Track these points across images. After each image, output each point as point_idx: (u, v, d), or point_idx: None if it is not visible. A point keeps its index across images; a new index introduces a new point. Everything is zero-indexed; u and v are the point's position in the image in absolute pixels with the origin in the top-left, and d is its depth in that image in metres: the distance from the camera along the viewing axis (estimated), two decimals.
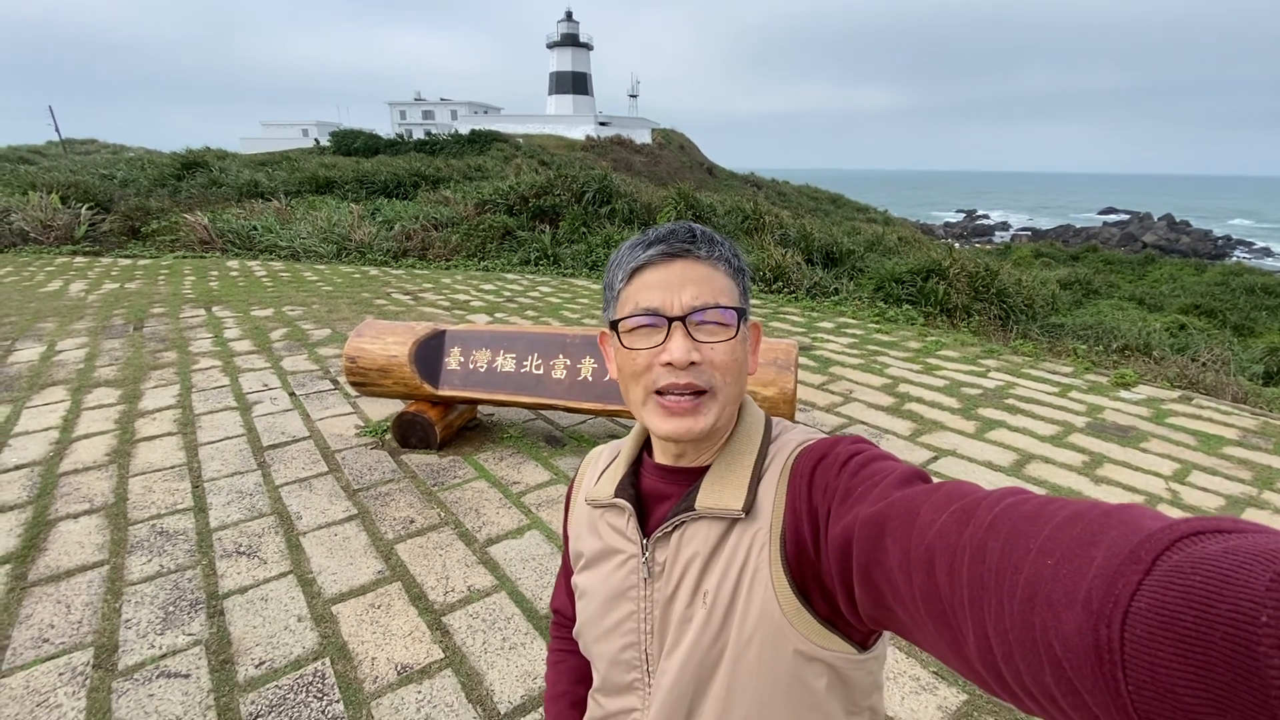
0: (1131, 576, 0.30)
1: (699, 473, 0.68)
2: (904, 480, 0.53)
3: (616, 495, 0.72)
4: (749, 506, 0.63)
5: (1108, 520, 0.35)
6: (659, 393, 0.65)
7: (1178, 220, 53.17)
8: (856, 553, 0.51)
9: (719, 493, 0.65)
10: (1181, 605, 0.28)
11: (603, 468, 0.80)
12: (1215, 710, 0.26)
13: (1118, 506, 0.36)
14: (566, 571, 0.88)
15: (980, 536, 0.40)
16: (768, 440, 0.69)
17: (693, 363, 0.63)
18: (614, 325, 0.68)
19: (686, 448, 0.69)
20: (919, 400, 4.48)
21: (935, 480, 0.53)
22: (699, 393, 0.64)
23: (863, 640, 0.61)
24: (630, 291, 0.67)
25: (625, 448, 0.78)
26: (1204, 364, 5.82)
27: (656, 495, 0.71)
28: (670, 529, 0.66)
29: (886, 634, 0.65)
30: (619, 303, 0.68)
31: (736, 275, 0.69)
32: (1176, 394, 4.73)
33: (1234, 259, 36.13)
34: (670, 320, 0.64)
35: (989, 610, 0.38)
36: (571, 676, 0.90)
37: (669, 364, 0.63)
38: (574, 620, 0.82)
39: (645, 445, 0.77)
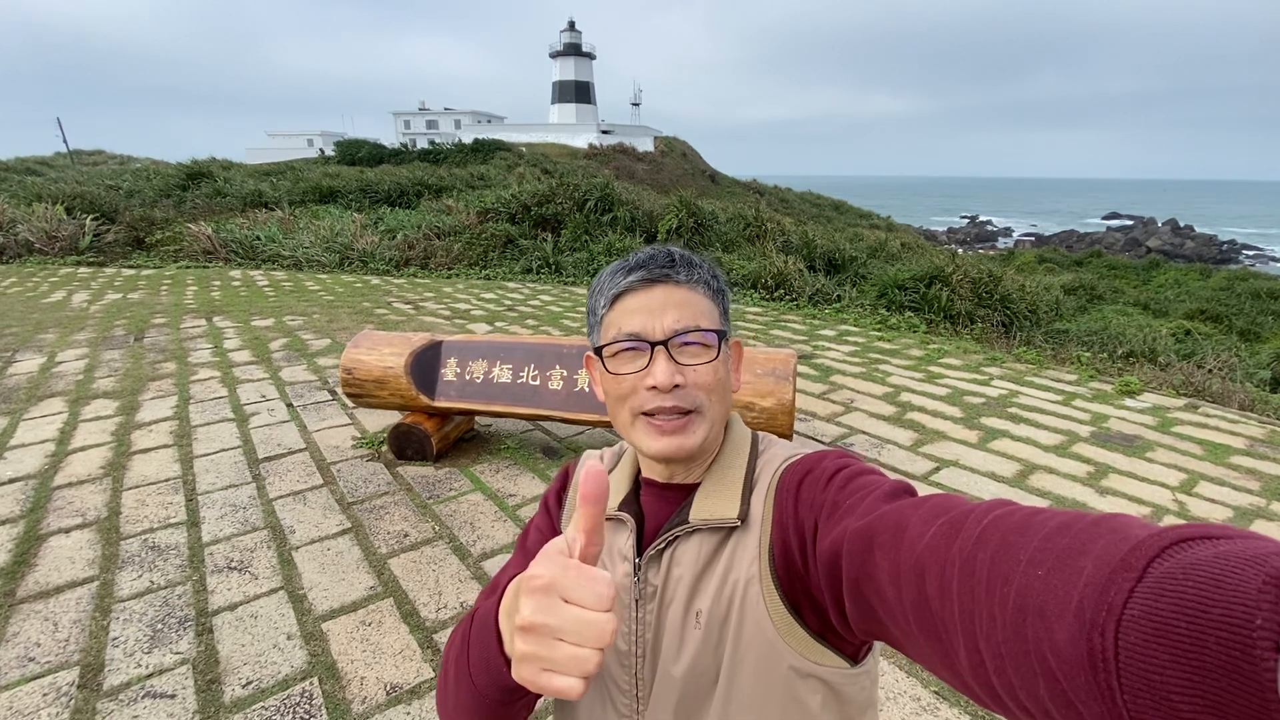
0: (1123, 584, 0.30)
1: (690, 489, 0.69)
2: (891, 494, 0.54)
3: (620, 509, 0.71)
4: (744, 515, 0.64)
5: (1096, 529, 0.35)
6: (647, 414, 0.66)
7: (1182, 225, 53.04)
8: (846, 567, 0.51)
9: (712, 505, 0.66)
10: (1174, 611, 0.28)
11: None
12: (1212, 715, 0.26)
13: (1105, 516, 0.36)
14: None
15: (969, 549, 0.40)
16: (755, 455, 0.70)
17: (676, 385, 0.64)
18: (598, 351, 0.69)
19: (676, 467, 0.70)
20: (921, 409, 4.43)
21: (929, 491, 0.53)
22: (686, 412, 0.66)
23: (854, 654, 0.61)
24: (613, 317, 0.68)
25: (626, 460, 0.77)
26: (1210, 370, 5.75)
27: (651, 512, 0.72)
28: (663, 545, 0.66)
29: (876, 649, 0.66)
30: (603, 328, 0.69)
31: (716, 296, 0.70)
32: (1183, 402, 4.67)
33: (1239, 264, 35.96)
34: (653, 345, 0.65)
35: (980, 623, 0.37)
36: None
37: (653, 387, 0.64)
38: None
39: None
